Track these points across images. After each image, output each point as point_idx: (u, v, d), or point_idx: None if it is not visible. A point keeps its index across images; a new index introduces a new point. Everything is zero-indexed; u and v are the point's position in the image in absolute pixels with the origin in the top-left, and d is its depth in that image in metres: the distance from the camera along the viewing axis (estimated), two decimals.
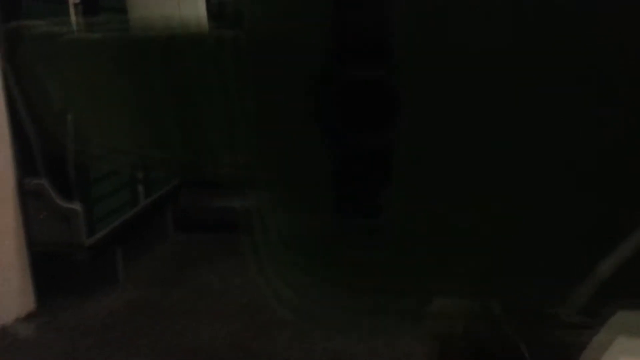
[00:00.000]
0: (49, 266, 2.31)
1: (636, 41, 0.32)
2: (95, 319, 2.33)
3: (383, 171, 0.34)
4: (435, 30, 0.34)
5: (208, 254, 3.05)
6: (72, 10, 2.78)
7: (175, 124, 0.42)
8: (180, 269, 2.87)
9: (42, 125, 2.30)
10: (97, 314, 2.36)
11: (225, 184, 2.93)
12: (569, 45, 0.32)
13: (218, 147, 0.42)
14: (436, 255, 0.38)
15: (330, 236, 0.40)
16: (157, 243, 3.13)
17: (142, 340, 2.20)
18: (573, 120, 0.34)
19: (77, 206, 2.27)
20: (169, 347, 2.18)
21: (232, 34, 0.39)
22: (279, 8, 0.36)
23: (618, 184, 0.35)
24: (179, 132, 0.42)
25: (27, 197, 2.28)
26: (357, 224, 0.37)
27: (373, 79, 0.34)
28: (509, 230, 0.37)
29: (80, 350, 2.10)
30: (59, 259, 2.28)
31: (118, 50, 0.45)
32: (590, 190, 0.35)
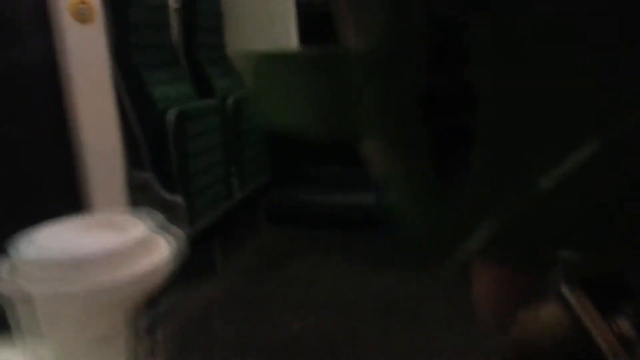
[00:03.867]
0: None
1: None
2: (197, 304, 2.46)
3: (468, 145, 0.44)
4: (506, 45, 0.42)
5: (297, 248, 3.13)
6: (171, 15, 2.95)
7: (335, 113, 0.60)
8: (272, 262, 2.97)
9: (148, 124, 2.48)
10: (198, 300, 2.50)
11: (321, 178, 3.00)
12: None
13: (358, 124, 0.58)
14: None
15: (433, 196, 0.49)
16: (250, 236, 3.25)
17: (238, 328, 2.31)
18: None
19: (179, 199, 2.41)
20: (261, 337, 2.26)
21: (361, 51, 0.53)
22: (392, 33, 0.48)
23: None
24: (337, 117, 0.60)
25: (134, 190, 2.45)
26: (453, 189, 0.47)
27: (459, 79, 0.43)
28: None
29: (182, 336, 2.23)
30: None
31: (304, 64, 0.65)
32: None
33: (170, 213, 2.36)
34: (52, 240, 0.65)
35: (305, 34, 3.51)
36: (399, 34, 0.45)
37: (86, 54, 2.28)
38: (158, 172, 2.45)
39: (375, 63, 0.48)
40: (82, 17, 2.27)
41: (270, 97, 0.66)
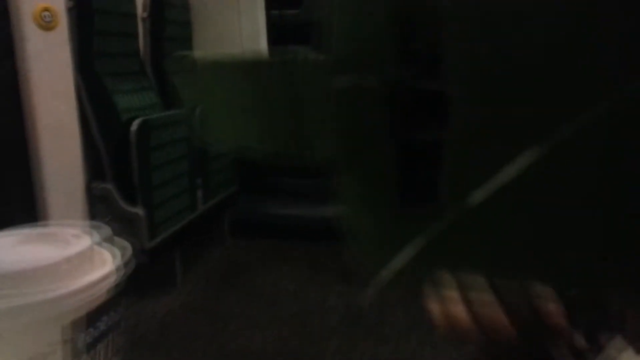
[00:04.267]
0: None
1: None
2: (154, 318, 2.43)
3: (437, 161, 0.41)
4: (481, 50, 0.41)
5: (262, 260, 3.12)
6: (139, 23, 2.93)
7: (283, 126, 0.56)
8: (235, 274, 2.95)
9: (110, 134, 2.44)
10: (155, 313, 2.46)
11: (287, 190, 2.98)
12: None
13: (312, 143, 0.55)
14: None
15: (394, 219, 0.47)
16: (214, 248, 3.22)
17: (196, 342, 2.28)
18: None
19: (140, 210, 2.38)
20: (221, 349, 2.24)
21: (320, 56, 0.51)
22: (358, 36, 0.46)
23: None
24: (285, 131, 0.57)
25: (94, 201, 2.41)
26: (416, 208, 0.45)
27: (429, 88, 0.42)
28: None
29: (138, 349, 2.19)
30: None
31: (246, 70, 0.60)
32: None
33: (130, 225, 2.32)
34: None
35: (274, 44, 3.53)
36: (363, 35, 0.45)
37: (48, 61, 2.25)
38: (119, 183, 2.41)
39: (336, 68, 0.47)
40: (46, 24, 2.24)
41: (216, 108, 0.64)
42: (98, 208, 2.41)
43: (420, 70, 0.41)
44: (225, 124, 0.64)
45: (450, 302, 0.47)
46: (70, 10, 2.37)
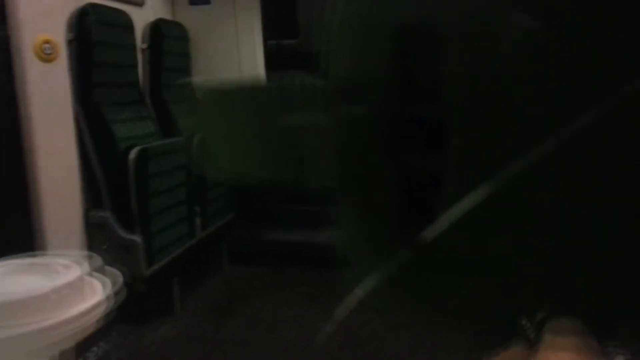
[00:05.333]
0: None
1: None
2: (151, 347, 2.41)
3: (436, 188, 0.43)
4: (479, 78, 0.42)
5: (261, 287, 3.10)
6: (138, 54, 2.98)
7: (280, 153, 0.56)
8: (234, 301, 2.93)
9: (109, 162, 2.47)
10: (153, 342, 2.45)
11: (285, 216, 2.97)
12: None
13: (310, 169, 0.54)
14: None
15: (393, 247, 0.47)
16: (212, 275, 3.21)
17: None
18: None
19: (137, 238, 2.39)
20: None
21: (322, 83, 0.51)
22: (358, 65, 0.47)
23: None
24: (282, 158, 0.57)
25: (92, 228, 2.42)
26: (413, 237, 0.45)
27: (428, 115, 0.44)
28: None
29: None
30: None
31: (244, 96, 0.61)
32: None
33: (127, 253, 2.33)
34: None
35: (272, 73, 3.57)
36: (363, 62, 0.45)
37: (48, 92, 2.29)
38: (117, 210, 2.43)
39: (338, 94, 0.47)
40: (46, 56, 2.28)
41: (217, 136, 0.64)
42: (95, 236, 2.42)
43: (419, 96, 0.42)
44: (224, 151, 0.65)
45: None
46: (70, 42, 2.42)
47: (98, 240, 2.39)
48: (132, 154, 2.36)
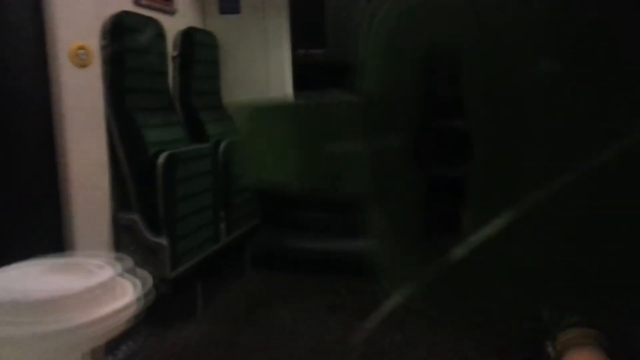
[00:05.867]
0: None
1: None
2: (173, 349, 2.44)
3: (463, 199, 0.44)
4: (497, 94, 0.44)
5: (282, 294, 3.12)
6: (169, 62, 3.04)
7: (319, 164, 0.60)
8: (255, 307, 2.95)
9: (138, 166, 2.52)
10: (175, 344, 2.48)
11: (308, 224, 2.99)
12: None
13: (346, 180, 0.58)
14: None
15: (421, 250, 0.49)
16: (235, 280, 3.24)
17: None
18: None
19: (164, 241, 2.43)
20: None
21: (355, 98, 0.54)
22: (390, 82, 0.50)
23: None
24: (320, 169, 0.60)
25: (120, 230, 2.47)
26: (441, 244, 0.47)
27: (453, 128, 0.45)
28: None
29: None
30: None
31: (287, 113, 0.66)
32: None
33: (153, 255, 2.37)
34: (14, 281, 0.67)
35: (299, 82, 3.61)
36: (394, 80, 0.48)
37: (81, 96, 2.35)
38: (145, 214, 2.47)
39: (370, 110, 0.50)
40: (81, 61, 2.35)
41: (260, 149, 0.68)
42: (123, 237, 2.46)
43: (446, 112, 0.45)
44: (267, 163, 0.69)
45: None
46: (104, 48, 2.48)
47: (125, 242, 2.43)
48: (161, 158, 2.41)
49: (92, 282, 0.67)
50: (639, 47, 0.37)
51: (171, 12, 3.14)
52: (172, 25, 3.09)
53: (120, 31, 2.52)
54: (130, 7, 2.74)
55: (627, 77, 0.38)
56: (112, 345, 0.73)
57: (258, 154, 0.68)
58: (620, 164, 0.38)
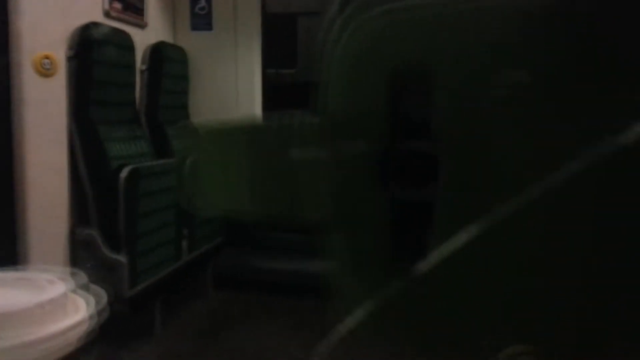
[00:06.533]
0: None
1: None
2: None
3: (428, 222, 0.44)
4: (464, 114, 0.44)
5: (244, 314, 3.07)
6: (138, 75, 3.01)
7: (277, 189, 0.58)
8: (216, 328, 2.89)
9: (99, 180, 2.46)
10: None
11: (272, 244, 2.96)
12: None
13: (305, 202, 0.56)
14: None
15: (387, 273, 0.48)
16: (196, 299, 3.17)
17: None
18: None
19: (123, 258, 2.36)
20: None
21: (319, 120, 0.53)
22: (354, 102, 0.49)
23: None
24: (278, 195, 0.58)
25: (77, 245, 2.40)
26: (406, 268, 0.46)
27: (419, 149, 0.46)
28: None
29: None
30: None
31: (244, 136, 0.63)
32: None
33: (111, 272, 2.30)
34: None
35: (269, 101, 3.61)
36: (360, 101, 0.47)
37: (44, 106, 2.29)
38: (104, 229, 2.41)
39: (335, 128, 0.49)
40: (45, 71, 2.29)
41: (213, 175, 0.66)
42: (81, 253, 2.39)
43: (412, 133, 0.44)
44: (217, 189, 0.66)
45: None
46: (70, 59, 2.44)
47: (82, 258, 2.36)
48: (124, 172, 2.36)
49: (42, 298, 0.64)
50: (603, 63, 0.38)
51: (141, 26, 3.11)
52: (142, 39, 3.06)
53: (88, 42, 2.48)
54: (100, 18, 2.70)
55: (596, 91, 0.38)
56: None
57: (209, 180, 0.66)
58: (584, 182, 0.39)
